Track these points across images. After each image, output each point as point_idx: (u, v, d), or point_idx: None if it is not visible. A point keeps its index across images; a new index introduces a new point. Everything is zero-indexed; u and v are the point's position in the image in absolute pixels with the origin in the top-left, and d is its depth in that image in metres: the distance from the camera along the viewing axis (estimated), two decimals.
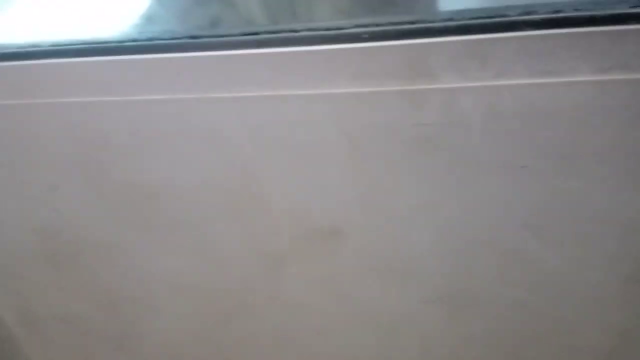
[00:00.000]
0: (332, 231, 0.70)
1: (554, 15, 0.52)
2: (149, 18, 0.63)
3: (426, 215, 0.66)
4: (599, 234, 0.63)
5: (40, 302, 0.85)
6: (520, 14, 0.52)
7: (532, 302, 0.71)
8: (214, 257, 0.75)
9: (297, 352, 0.84)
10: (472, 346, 0.76)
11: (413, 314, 0.75)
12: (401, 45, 0.54)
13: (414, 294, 0.73)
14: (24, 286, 0.84)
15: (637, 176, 0.58)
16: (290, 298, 0.77)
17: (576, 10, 0.52)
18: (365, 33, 0.55)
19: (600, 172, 0.58)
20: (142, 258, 0.77)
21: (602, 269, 0.66)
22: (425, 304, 0.74)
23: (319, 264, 0.73)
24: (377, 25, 0.55)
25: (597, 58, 0.52)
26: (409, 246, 0.69)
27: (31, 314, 0.87)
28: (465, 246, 0.68)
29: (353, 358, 0.82)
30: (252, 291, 0.77)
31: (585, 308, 0.70)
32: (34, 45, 0.61)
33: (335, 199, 0.67)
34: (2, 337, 0.91)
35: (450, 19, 0.54)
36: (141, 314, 0.83)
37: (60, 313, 0.85)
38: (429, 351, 0.78)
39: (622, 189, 0.59)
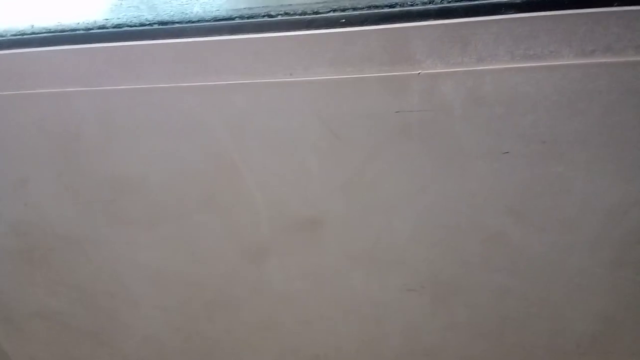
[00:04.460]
0: (313, 221, 0.69)
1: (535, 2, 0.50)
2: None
3: (408, 203, 0.65)
4: (582, 219, 0.62)
5: (16, 298, 0.83)
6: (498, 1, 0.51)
7: (516, 288, 0.70)
8: (194, 249, 0.73)
9: (280, 342, 0.83)
10: (456, 332, 0.76)
11: (396, 302, 0.74)
12: (380, 30, 0.52)
13: (396, 282, 0.73)
14: None
15: (620, 160, 0.57)
16: (273, 289, 0.75)
17: None
18: (342, 17, 0.53)
19: (583, 157, 0.58)
20: (118, 252, 0.75)
21: (585, 253, 0.65)
22: (408, 292, 0.73)
23: (300, 254, 0.72)
24: (355, 9, 0.53)
25: (579, 41, 0.51)
26: (391, 235, 0.68)
27: (7, 311, 0.85)
28: (448, 233, 0.67)
29: (337, 347, 0.82)
30: (233, 283, 0.76)
31: (569, 293, 0.70)
32: None
33: (316, 188, 0.65)
34: None
35: (431, 2, 0.52)
36: (121, 308, 0.81)
37: (37, 309, 0.83)
38: (412, 338, 0.78)
39: (604, 173, 0.58)
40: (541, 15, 0.50)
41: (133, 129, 0.62)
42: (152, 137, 0.62)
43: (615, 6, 0.49)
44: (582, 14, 0.50)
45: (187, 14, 0.54)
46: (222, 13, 0.55)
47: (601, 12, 0.49)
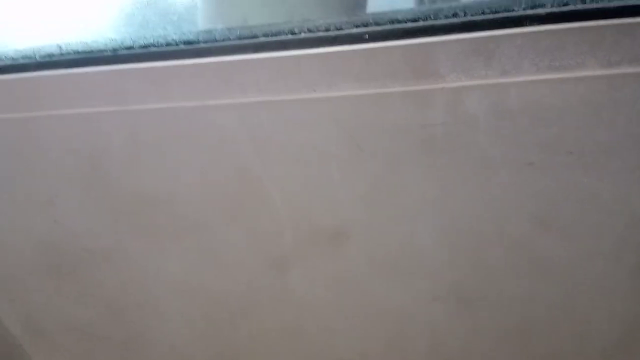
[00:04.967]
0: (336, 232, 0.69)
1: (560, 9, 0.50)
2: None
3: (432, 213, 0.65)
4: (606, 226, 0.62)
5: (45, 311, 0.84)
6: (525, 8, 0.51)
7: (541, 295, 0.71)
8: (218, 260, 0.74)
9: (304, 351, 0.84)
10: (481, 339, 0.76)
11: (421, 310, 0.75)
12: (403, 45, 0.53)
13: (421, 290, 0.73)
14: (28, 296, 0.83)
15: None
16: (296, 298, 0.76)
17: (583, 2, 0.50)
18: (365, 33, 0.54)
19: (607, 166, 0.58)
20: (144, 264, 0.76)
21: (609, 260, 0.65)
22: (434, 300, 0.74)
23: (323, 264, 0.73)
24: (377, 24, 0.54)
25: (606, 52, 0.51)
26: (415, 244, 0.69)
27: (37, 323, 0.86)
28: (473, 242, 0.67)
29: (362, 355, 0.82)
30: (257, 292, 0.77)
31: (593, 298, 0.70)
32: (26, 57, 0.59)
33: (339, 200, 0.66)
34: (9, 346, 0.90)
35: (454, 15, 0.52)
36: (147, 318, 0.82)
37: (65, 321, 0.85)
38: (438, 346, 0.78)
39: (629, 182, 0.58)
40: (566, 27, 0.50)
41: (159, 146, 0.63)
42: (178, 153, 0.63)
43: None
44: (608, 25, 0.49)
45: (211, 33, 0.55)
46: (246, 31, 0.55)
47: (626, 23, 0.49)
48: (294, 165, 0.64)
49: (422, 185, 0.63)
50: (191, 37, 0.55)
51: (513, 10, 0.51)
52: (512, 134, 0.56)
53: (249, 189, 0.66)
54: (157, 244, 0.74)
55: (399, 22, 0.54)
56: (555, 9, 0.50)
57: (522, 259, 0.68)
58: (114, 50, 0.57)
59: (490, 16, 0.52)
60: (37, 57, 0.59)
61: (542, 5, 0.50)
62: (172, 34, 0.55)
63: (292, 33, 0.55)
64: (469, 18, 0.52)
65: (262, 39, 0.55)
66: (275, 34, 0.55)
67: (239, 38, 0.55)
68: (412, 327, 0.77)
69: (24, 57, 0.59)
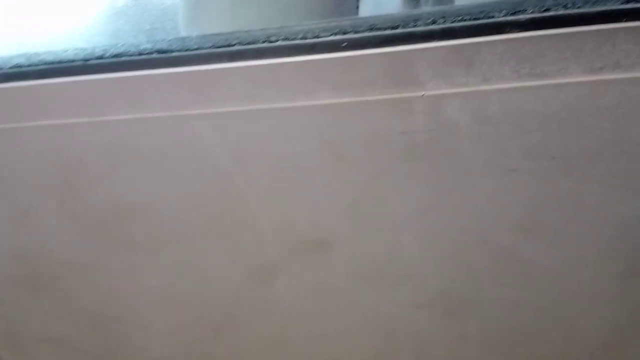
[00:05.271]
0: (320, 242, 0.68)
1: (542, 15, 0.49)
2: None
3: (417, 221, 0.64)
4: (592, 232, 0.61)
5: (23, 325, 0.82)
6: (506, 15, 0.50)
7: (527, 301, 0.70)
8: (200, 273, 0.73)
9: (290, 359, 0.83)
10: (468, 347, 0.75)
11: (407, 318, 0.74)
12: (382, 54, 0.51)
13: (407, 298, 0.72)
14: (5, 310, 0.81)
15: (630, 175, 0.56)
16: (281, 310, 0.75)
17: (565, 8, 0.49)
18: (343, 41, 0.52)
19: (592, 172, 0.57)
20: (124, 277, 0.74)
21: (595, 266, 0.64)
22: (419, 308, 0.73)
23: (308, 275, 0.71)
24: (356, 31, 0.52)
25: (588, 58, 0.50)
26: (400, 252, 0.67)
27: (16, 337, 0.84)
28: (458, 250, 0.66)
29: None
30: (241, 305, 0.75)
31: (580, 305, 0.69)
32: None
33: (321, 210, 0.64)
34: None
35: (433, 22, 0.51)
36: (127, 332, 0.80)
37: (45, 335, 0.83)
38: (425, 355, 0.77)
39: (614, 187, 0.57)
40: (547, 34, 0.49)
41: (135, 157, 0.61)
42: (155, 165, 0.62)
43: (624, 22, 0.48)
44: (590, 31, 0.49)
45: (185, 41, 0.53)
46: (221, 39, 0.54)
47: (609, 28, 0.48)
48: (274, 175, 0.62)
49: (405, 193, 0.62)
50: (164, 45, 0.53)
51: (493, 16, 0.50)
52: (495, 141, 0.55)
53: (229, 200, 0.65)
54: (136, 257, 0.72)
55: (377, 29, 0.52)
56: (536, 15, 0.49)
57: (507, 266, 0.67)
58: (85, 60, 0.55)
59: (470, 23, 0.51)
60: (6, 68, 0.57)
61: (523, 11, 0.49)
62: (145, 42, 0.53)
63: (269, 41, 0.54)
64: (448, 25, 0.51)
65: (238, 47, 0.54)
66: (251, 42, 0.54)
67: (214, 47, 0.54)
68: (398, 336, 0.76)
69: None
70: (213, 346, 0.83)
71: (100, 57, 0.55)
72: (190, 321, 0.79)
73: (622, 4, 0.48)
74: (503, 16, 0.49)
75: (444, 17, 0.50)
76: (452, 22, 0.51)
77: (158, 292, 0.76)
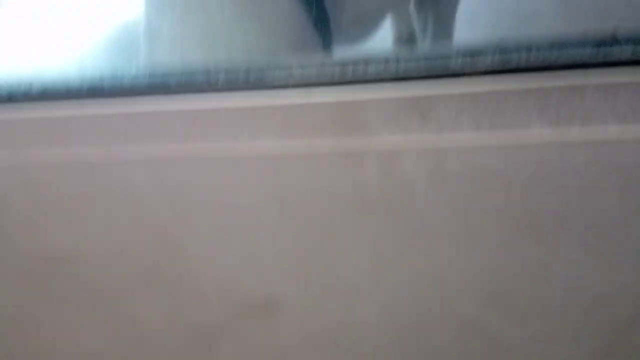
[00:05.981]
0: (268, 302, 0.61)
1: (502, 67, 0.45)
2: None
3: (372, 284, 0.58)
4: (565, 307, 0.55)
5: None
6: (463, 64, 0.46)
7: None
8: (137, 333, 0.66)
9: None
10: None
11: None
12: (331, 102, 0.47)
13: None
14: None
15: (603, 243, 0.51)
16: None
17: (528, 52, 0.45)
18: (289, 83, 0.48)
19: (562, 239, 0.51)
20: (54, 334, 0.67)
21: (569, 344, 0.58)
22: None
23: (255, 338, 0.64)
24: (303, 76, 0.48)
25: (554, 111, 0.45)
26: (354, 319, 0.61)
27: None
28: (419, 319, 0.60)
29: None
30: None
31: None
32: None
33: (269, 267, 0.59)
34: None
35: (385, 70, 0.47)
36: None
37: None
38: None
39: (587, 257, 0.52)
40: (509, 89, 0.45)
41: (62, 204, 0.55)
42: (84, 212, 0.56)
43: (592, 69, 0.44)
44: (555, 82, 0.44)
45: (118, 77, 0.49)
46: (158, 76, 0.49)
47: (577, 79, 0.44)
48: (216, 227, 0.57)
49: (359, 253, 0.56)
50: (95, 82, 0.49)
51: (451, 64, 0.46)
52: (454, 201, 0.50)
53: (168, 253, 0.59)
54: (66, 312, 0.65)
55: (327, 75, 0.48)
56: (496, 65, 0.45)
57: (474, 341, 0.60)
58: (10, 95, 0.50)
59: (426, 71, 0.46)
60: None
61: (483, 57, 0.45)
62: (74, 76, 0.48)
63: (208, 80, 0.49)
64: (402, 73, 0.46)
65: (175, 86, 0.49)
66: (190, 80, 0.49)
67: (150, 84, 0.49)
68: None
69: None
70: None
71: (26, 93, 0.50)
72: None
73: (594, 47, 0.43)
74: (461, 64, 0.45)
75: (397, 60, 0.46)
76: (407, 69, 0.47)
77: (91, 352, 0.69)
